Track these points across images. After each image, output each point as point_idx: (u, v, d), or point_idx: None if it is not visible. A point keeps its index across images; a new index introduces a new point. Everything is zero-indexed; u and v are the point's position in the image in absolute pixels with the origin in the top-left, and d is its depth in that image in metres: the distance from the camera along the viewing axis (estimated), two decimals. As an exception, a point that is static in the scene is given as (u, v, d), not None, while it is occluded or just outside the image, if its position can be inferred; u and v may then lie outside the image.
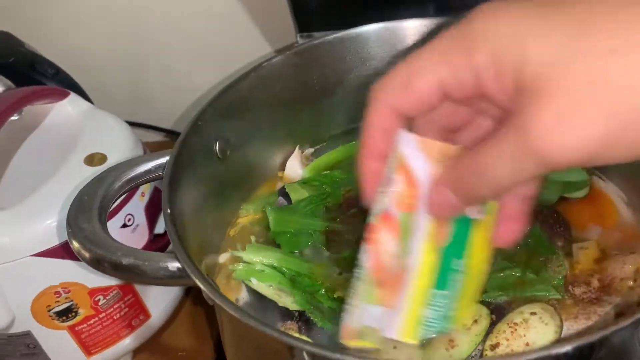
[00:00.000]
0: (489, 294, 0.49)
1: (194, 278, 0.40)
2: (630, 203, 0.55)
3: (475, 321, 0.47)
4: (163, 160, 0.52)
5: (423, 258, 0.33)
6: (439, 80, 0.31)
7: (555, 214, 0.54)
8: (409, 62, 0.33)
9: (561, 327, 0.46)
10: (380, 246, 0.33)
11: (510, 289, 0.49)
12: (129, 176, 0.51)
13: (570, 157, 0.27)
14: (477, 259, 0.35)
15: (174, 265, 0.43)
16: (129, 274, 0.44)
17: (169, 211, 0.45)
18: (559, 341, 0.45)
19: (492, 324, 0.47)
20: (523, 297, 0.49)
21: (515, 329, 0.46)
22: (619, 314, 0.47)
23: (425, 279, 0.33)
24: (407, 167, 0.33)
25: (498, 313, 0.48)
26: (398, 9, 0.74)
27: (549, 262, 0.51)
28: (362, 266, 0.34)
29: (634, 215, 0.54)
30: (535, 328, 0.46)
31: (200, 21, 0.90)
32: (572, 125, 0.26)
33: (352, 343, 0.35)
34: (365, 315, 0.33)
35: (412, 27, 0.61)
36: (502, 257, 0.51)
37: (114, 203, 0.51)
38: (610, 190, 0.57)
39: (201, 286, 0.40)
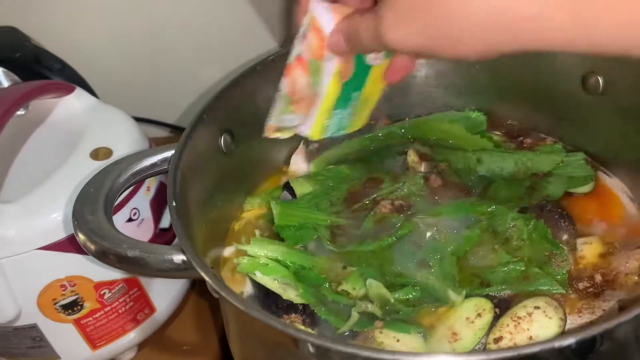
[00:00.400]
0: (493, 288, 0.49)
1: (199, 270, 0.40)
2: (636, 198, 0.55)
3: (479, 315, 0.47)
4: (169, 153, 0.52)
5: (329, 88, 0.46)
6: None
7: (560, 209, 0.54)
8: None
9: (565, 320, 0.46)
10: (294, 78, 0.47)
11: (514, 283, 0.49)
12: (135, 169, 0.51)
13: (403, 48, 0.38)
14: (370, 91, 0.49)
15: (179, 257, 0.43)
16: (134, 266, 0.44)
17: (174, 204, 0.45)
18: (562, 334, 0.44)
19: (496, 318, 0.47)
20: (527, 292, 0.49)
21: (519, 323, 0.46)
22: (623, 309, 0.46)
23: (329, 102, 0.47)
24: (318, 26, 0.44)
25: (502, 307, 0.48)
26: None
27: (553, 257, 0.51)
28: (281, 90, 0.48)
29: (639, 210, 0.54)
30: (539, 322, 0.46)
31: (206, 16, 0.90)
32: (403, 30, 0.37)
33: (273, 135, 0.50)
34: (283, 119, 0.49)
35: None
36: (506, 252, 0.52)
37: (119, 196, 0.51)
38: (615, 185, 0.57)
39: (206, 278, 0.40)
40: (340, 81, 0.46)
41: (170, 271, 0.44)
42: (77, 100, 0.71)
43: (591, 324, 0.46)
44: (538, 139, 0.62)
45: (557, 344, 0.33)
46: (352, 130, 0.52)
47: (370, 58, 0.45)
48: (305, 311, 0.49)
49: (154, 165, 0.52)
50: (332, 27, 0.43)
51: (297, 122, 0.49)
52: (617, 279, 0.49)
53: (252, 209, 0.61)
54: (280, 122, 0.49)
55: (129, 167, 0.51)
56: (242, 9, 0.88)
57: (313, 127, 0.49)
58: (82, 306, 0.63)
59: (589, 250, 0.51)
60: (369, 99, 0.50)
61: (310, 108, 0.48)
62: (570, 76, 0.56)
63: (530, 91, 0.60)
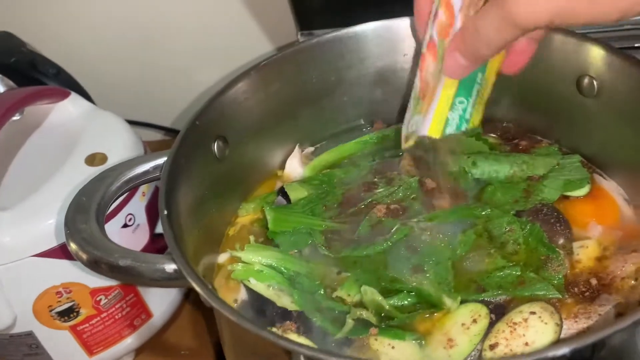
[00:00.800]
0: (489, 293, 0.49)
1: (190, 281, 0.40)
2: (632, 201, 0.55)
3: (474, 320, 0.47)
4: (161, 160, 0.52)
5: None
6: None
7: (556, 212, 0.53)
8: None
9: (561, 326, 0.46)
10: (426, 69, 0.43)
11: (510, 288, 0.49)
12: (128, 177, 0.51)
13: (535, 22, 0.35)
14: (490, 76, 0.45)
15: (170, 267, 0.43)
16: (126, 275, 0.44)
17: (165, 212, 0.45)
18: (558, 341, 0.44)
19: (492, 324, 0.47)
20: (523, 297, 0.48)
21: (515, 329, 0.46)
22: (620, 314, 0.46)
23: (451, 89, 0.43)
24: (449, 1, 0.41)
25: (497, 312, 0.48)
26: (398, 6, 0.74)
27: (549, 261, 0.50)
28: (415, 86, 0.44)
29: (636, 213, 0.54)
30: (535, 327, 0.45)
31: (202, 19, 0.90)
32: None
33: (407, 145, 0.47)
34: (412, 123, 0.45)
35: (408, 26, 0.60)
36: (502, 256, 0.51)
37: (112, 204, 0.51)
38: (612, 188, 0.56)
39: (197, 289, 0.40)
40: None
41: (162, 280, 0.44)
42: (72, 105, 0.71)
43: (588, 329, 0.46)
44: (534, 142, 0.62)
45: (552, 353, 0.33)
46: (473, 126, 0.46)
47: None
48: (299, 318, 0.49)
49: (146, 172, 0.52)
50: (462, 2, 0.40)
51: (420, 124, 0.45)
52: (614, 283, 0.48)
53: (247, 214, 0.60)
54: (410, 127, 0.45)
55: (121, 175, 0.51)
56: (238, 12, 0.88)
57: (432, 125, 0.44)
58: (78, 313, 0.63)
59: (585, 254, 0.51)
60: (487, 87, 0.45)
61: (430, 101, 0.44)
62: (565, 78, 0.55)
63: (525, 93, 0.60)
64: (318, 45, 0.60)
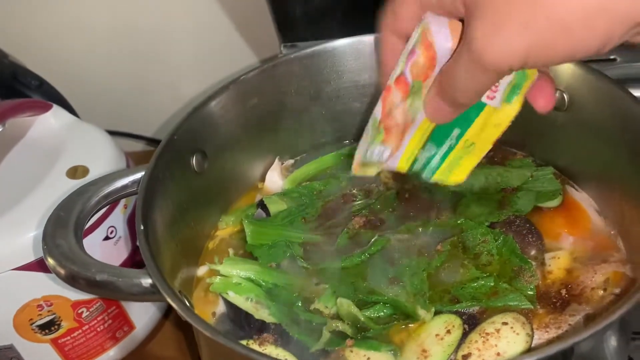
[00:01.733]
0: (463, 304, 0.50)
1: (165, 296, 0.40)
2: (602, 212, 0.56)
3: (448, 331, 0.48)
4: (140, 175, 0.52)
5: (424, 118, 0.41)
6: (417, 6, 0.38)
7: (528, 223, 0.55)
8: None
9: (532, 336, 0.47)
10: (390, 102, 0.41)
11: (484, 298, 0.50)
12: (106, 191, 0.51)
13: (508, 63, 0.32)
14: (476, 137, 0.43)
15: (147, 281, 0.43)
16: (104, 290, 0.44)
17: (142, 228, 0.45)
18: (528, 351, 0.45)
19: (465, 334, 0.48)
20: (496, 307, 0.49)
21: (487, 339, 0.46)
22: (590, 324, 0.47)
23: (424, 131, 0.42)
24: (430, 42, 0.38)
25: (471, 323, 0.48)
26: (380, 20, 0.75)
27: (521, 272, 0.51)
28: (375, 116, 0.42)
29: (606, 223, 0.55)
30: (507, 338, 0.46)
31: (185, 32, 0.90)
32: (502, 37, 0.31)
33: (358, 173, 0.45)
34: (371, 152, 0.43)
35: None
36: (475, 267, 0.52)
37: (91, 218, 0.51)
38: (583, 199, 0.57)
39: (172, 304, 0.40)
40: None
41: (140, 295, 0.44)
42: (54, 118, 0.71)
43: (558, 338, 0.47)
44: (508, 154, 0.63)
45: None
46: (444, 182, 0.46)
47: (486, 95, 0.40)
48: (277, 330, 0.49)
49: (125, 187, 0.52)
50: (448, 46, 0.37)
51: (385, 156, 0.43)
52: (584, 293, 0.50)
53: (227, 227, 0.61)
54: (368, 156, 0.43)
55: (99, 189, 0.51)
56: (222, 24, 0.88)
57: (401, 160, 0.44)
58: (59, 325, 0.63)
59: (556, 264, 0.52)
60: (475, 148, 0.43)
61: (403, 138, 0.42)
62: (537, 92, 0.57)
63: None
64: (296, 60, 0.61)
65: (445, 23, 0.38)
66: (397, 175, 0.62)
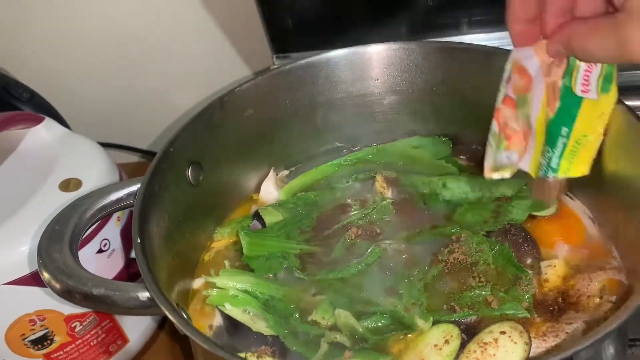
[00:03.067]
0: (460, 314, 0.50)
1: (163, 310, 0.40)
2: (596, 220, 0.56)
3: (447, 341, 0.48)
4: (135, 187, 0.52)
5: (538, 120, 0.46)
6: None
7: (524, 232, 0.55)
8: None
9: (530, 345, 0.47)
10: (504, 117, 0.46)
11: (481, 308, 0.50)
12: (101, 204, 0.51)
13: None
14: (584, 130, 0.46)
15: (144, 295, 0.43)
16: (100, 304, 0.44)
17: (138, 241, 0.45)
18: (526, 360, 0.45)
19: (463, 344, 0.48)
20: (493, 316, 0.49)
21: (485, 349, 0.46)
22: (587, 331, 0.47)
23: (540, 137, 0.46)
24: (522, 67, 0.45)
25: (468, 333, 0.48)
26: (372, 30, 0.76)
27: (518, 281, 0.51)
28: (493, 131, 0.47)
29: (600, 231, 0.55)
30: (505, 347, 0.46)
31: (178, 43, 0.90)
32: None
33: (493, 175, 0.47)
34: (499, 159, 0.47)
35: (379, 51, 0.62)
36: (472, 276, 0.52)
37: (86, 232, 0.50)
38: (577, 207, 0.58)
39: (170, 317, 0.40)
40: (548, 114, 0.46)
41: (136, 308, 0.44)
42: (46, 130, 0.71)
43: (556, 347, 0.47)
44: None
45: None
46: (568, 175, 0.47)
47: (579, 89, 0.45)
48: (275, 342, 0.49)
49: (119, 200, 0.52)
50: (537, 63, 0.44)
51: (515, 159, 0.47)
52: (580, 302, 0.50)
53: (222, 239, 0.61)
54: (498, 162, 0.47)
55: (94, 202, 0.51)
56: (215, 36, 0.89)
57: (532, 162, 0.47)
58: (52, 340, 0.62)
59: (552, 273, 0.52)
60: (587, 140, 0.46)
61: (526, 142, 0.47)
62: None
63: (492, 116, 0.61)
64: (291, 71, 0.61)
65: (529, 50, 0.45)
66: (392, 185, 0.62)
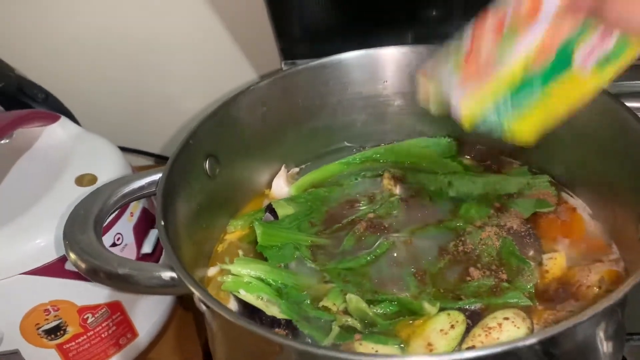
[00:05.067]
0: (465, 302, 0.52)
1: (188, 284, 0.42)
2: (596, 216, 0.59)
3: (452, 326, 0.50)
4: (155, 177, 0.54)
5: (513, 68, 0.39)
6: None
7: (526, 226, 0.57)
8: None
9: (532, 330, 0.49)
10: (480, 36, 0.39)
11: (485, 296, 0.52)
12: (124, 192, 0.53)
13: None
14: (553, 99, 0.40)
15: (167, 274, 0.45)
16: (124, 283, 0.46)
17: (162, 223, 0.47)
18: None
19: (468, 329, 0.50)
20: (497, 304, 0.51)
21: (490, 333, 0.48)
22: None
23: (504, 81, 0.39)
24: None
25: (473, 319, 0.50)
26: (378, 37, 0.78)
27: (520, 272, 0.54)
28: (461, 43, 0.40)
29: (598, 227, 0.58)
30: (508, 332, 0.48)
31: (189, 48, 0.93)
32: None
33: (421, 79, 0.43)
34: (443, 73, 0.41)
35: (389, 54, 0.65)
36: (476, 268, 0.54)
37: (109, 217, 0.52)
38: (578, 205, 0.60)
39: (195, 292, 0.42)
40: (529, 64, 0.39)
41: (158, 288, 0.45)
42: (61, 128, 0.72)
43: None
44: (505, 163, 0.66)
45: (521, 343, 0.36)
46: (506, 137, 0.42)
47: (578, 59, 0.39)
48: (288, 326, 0.51)
49: (141, 187, 0.54)
50: (556, 2, 0.37)
51: (453, 84, 0.41)
52: (580, 291, 0.52)
53: (235, 231, 0.63)
54: (438, 72, 0.41)
55: (117, 189, 0.53)
56: (225, 42, 0.91)
57: (468, 103, 0.40)
58: (65, 331, 0.63)
59: (553, 264, 0.54)
60: (550, 102, 0.41)
61: (478, 79, 0.40)
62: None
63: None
64: (304, 72, 0.64)
65: None
66: (399, 182, 0.65)
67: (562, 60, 0.40)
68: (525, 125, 0.42)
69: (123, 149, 0.95)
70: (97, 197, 0.51)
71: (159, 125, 0.99)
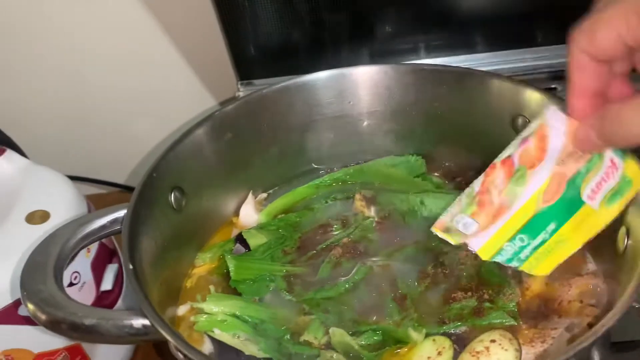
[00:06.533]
0: (450, 325, 0.51)
1: (164, 333, 0.39)
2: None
3: (439, 353, 0.49)
4: (117, 215, 0.51)
5: (524, 207, 0.41)
6: (617, 35, 0.37)
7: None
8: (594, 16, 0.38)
9: (520, 351, 0.48)
10: (491, 179, 0.43)
11: (469, 318, 0.51)
12: (84, 233, 0.49)
13: None
14: (568, 235, 0.43)
15: (138, 322, 0.42)
16: (91, 334, 0.42)
17: (131, 267, 0.44)
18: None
19: (456, 354, 0.48)
20: (481, 326, 0.50)
21: (478, 357, 0.47)
22: (573, 337, 0.49)
23: (517, 223, 0.42)
24: (544, 136, 0.41)
25: (460, 343, 0.49)
26: (332, 57, 0.77)
27: (502, 290, 0.53)
28: (472, 187, 0.44)
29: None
30: (497, 355, 0.47)
31: (139, 72, 0.89)
32: None
33: (439, 233, 0.45)
34: (459, 220, 0.44)
35: (354, 74, 0.63)
36: (457, 289, 0.54)
37: (71, 261, 0.49)
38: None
39: (172, 340, 0.39)
40: (540, 203, 0.42)
41: (129, 337, 0.42)
42: (7, 162, 0.69)
43: (544, 352, 0.49)
44: (474, 178, 0.65)
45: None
46: (530, 272, 0.45)
47: (587, 194, 0.41)
48: (269, 365, 0.49)
49: (103, 227, 0.50)
50: (560, 143, 0.40)
51: (470, 231, 0.43)
52: (562, 307, 0.52)
53: (204, 264, 0.60)
54: (454, 222, 0.44)
55: (76, 231, 0.49)
56: (177, 64, 0.88)
57: (486, 244, 0.43)
58: (22, 381, 0.59)
59: (533, 281, 0.54)
60: (565, 245, 0.44)
61: (494, 221, 0.42)
62: (501, 119, 0.60)
63: (464, 134, 0.64)
64: (269, 95, 0.62)
65: (564, 121, 0.40)
66: (371, 204, 0.63)
67: (571, 197, 0.42)
68: (540, 262, 0.45)
69: (74, 178, 0.91)
70: (55, 241, 0.47)
71: (110, 153, 0.95)
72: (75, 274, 0.63)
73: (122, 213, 0.50)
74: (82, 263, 0.63)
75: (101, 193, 0.99)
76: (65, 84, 0.89)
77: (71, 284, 0.63)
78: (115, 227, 0.50)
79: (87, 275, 0.64)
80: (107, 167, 0.96)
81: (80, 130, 0.94)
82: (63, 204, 0.64)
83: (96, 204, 0.68)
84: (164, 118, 0.91)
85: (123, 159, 0.96)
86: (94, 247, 0.65)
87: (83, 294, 0.64)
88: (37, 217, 0.63)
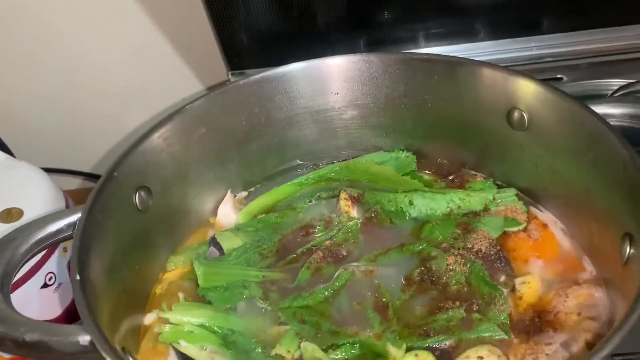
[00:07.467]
0: (434, 339, 0.47)
1: (105, 355, 0.35)
2: (569, 231, 0.54)
3: (421, 370, 0.45)
4: (75, 217, 0.47)
5: None
6: None
7: (495, 249, 0.52)
8: None
9: (509, 369, 0.44)
10: None
11: (456, 330, 0.47)
12: (38, 237, 0.46)
13: None
14: None
15: (85, 339, 0.38)
16: (35, 351, 0.39)
17: (78, 278, 0.40)
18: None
19: (439, 372, 0.44)
20: (469, 339, 0.46)
21: (464, 376, 0.43)
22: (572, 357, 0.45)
23: None
24: None
25: (444, 359, 0.45)
26: (327, 44, 0.73)
27: (492, 300, 0.49)
28: None
29: (574, 243, 0.53)
30: (484, 373, 0.43)
31: (128, 62, 0.86)
32: None
33: None
34: None
35: (338, 64, 0.59)
36: (444, 298, 0.49)
37: (20, 268, 0.45)
38: (549, 219, 0.56)
39: (112, 363, 0.35)
40: None
41: (76, 354, 0.39)
42: (-19, 158, 0.66)
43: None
44: (468, 176, 0.61)
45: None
46: None
47: None
48: (236, 380, 0.45)
49: (60, 231, 0.47)
50: None
51: None
52: (558, 319, 0.47)
53: (176, 269, 0.56)
54: None
55: (30, 235, 0.46)
56: (166, 54, 0.85)
57: None
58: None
59: (527, 289, 0.50)
60: None
61: None
62: (495, 112, 0.55)
63: (456, 129, 0.59)
64: (245, 87, 0.58)
65: None
66: (357, 204, 0.59)
67: None
68: None
69: (58, 171, 0.89)
70: (5, 247, 0.44)
71: (97, 145, 0.92)
72: (50, 275, 0.61)
73: (78, 216, 0.46)
74: (59, 263, 0.61)
75: (90, 187, 0.96)
76: (49, 77, 0.86)
77: (45, 285, 0.60)
78: (72, 230, 0.47)
79: (64, 275, 0.62)
80: (95, 160, 0.93)
81: (67, 122, 0.91)
82: (39, 200, 0.62)
83: (84, 199, 0.65)
84: (156, 110, 0.88)
85: (115, 152, 0.93)
86: (71, 246, 0.62)
87: (59, 295, 0.61)
88: (12, 214, 0.61)
